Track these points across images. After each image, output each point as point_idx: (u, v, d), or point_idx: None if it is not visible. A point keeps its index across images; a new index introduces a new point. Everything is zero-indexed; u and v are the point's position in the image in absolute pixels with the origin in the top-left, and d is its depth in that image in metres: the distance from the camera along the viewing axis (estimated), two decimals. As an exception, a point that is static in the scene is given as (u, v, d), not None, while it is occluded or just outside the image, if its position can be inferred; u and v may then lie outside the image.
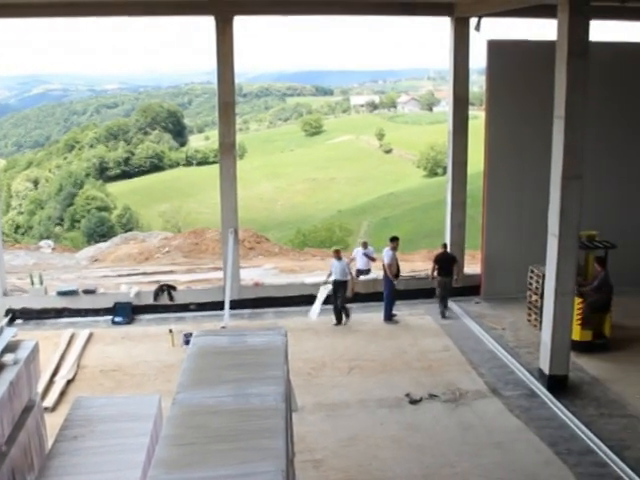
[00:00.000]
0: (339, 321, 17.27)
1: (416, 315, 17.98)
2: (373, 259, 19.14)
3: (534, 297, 17.16)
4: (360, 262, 19.07)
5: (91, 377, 14.53)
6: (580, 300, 14.76)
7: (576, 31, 12.67)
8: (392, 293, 17.61)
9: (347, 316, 17.46)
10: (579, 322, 14.90)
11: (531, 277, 17.45)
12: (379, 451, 11.59)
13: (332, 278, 17.54)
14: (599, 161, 17.98)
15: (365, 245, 19.40)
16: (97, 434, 9.08)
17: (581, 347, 14.85)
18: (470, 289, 19.05)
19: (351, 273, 17.62)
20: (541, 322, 16.08)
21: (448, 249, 18.67)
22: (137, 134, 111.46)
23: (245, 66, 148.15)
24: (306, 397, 13.01)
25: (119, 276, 20.88)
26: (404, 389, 13.68)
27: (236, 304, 17.92)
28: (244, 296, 18.35)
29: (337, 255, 17.59)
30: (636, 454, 11.50)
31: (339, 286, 17.33)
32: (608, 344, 15.68)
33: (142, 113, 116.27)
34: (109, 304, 18.05)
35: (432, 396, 13.45)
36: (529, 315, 17.51)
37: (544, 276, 16.02)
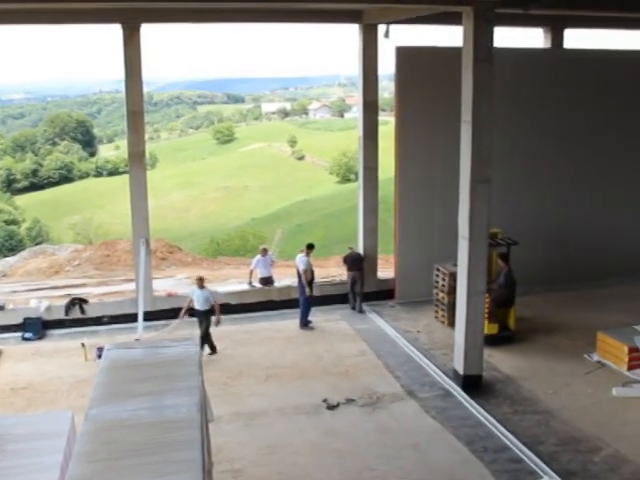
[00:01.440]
0: (213, 350, 16.03)
1: (332, 321, 18.02)
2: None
3: (441, 295, 17.67)
4: (262, 270, 19.02)
5: (1, 396, 14.09)
6: (486, 295, 15.06)
7: (481, 38, 12.95)
8: (308, 299, 17.63)
9: (212, 349, 15.97)
10: (486, 316, 15.17)
11: (437, 275, 17.89)
12: (298, 458, 11.57)
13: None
14: (507, 163, 18.45)
15: (265, 252, 19.37)
16: (8, 454, 8.80)
17: (488, 340, 15.06)
18: (384, 293, 19.21)
19: (216, 302, 16.11)
20: (449, 318, 17.07)
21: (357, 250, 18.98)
22: (45, 145, 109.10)
23: (155, 74, 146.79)
24: (223, 407, 12.90)
25: (28, 291, 20.30)
26: (321, 395, 13.69)
27: (150, 315, 17.64)
28: (158, 307, 18.08)
29: (200, 284, 16.17)
30: (549, 449, 11.81)
31: (201, 316, 15.92)
32: (513, 336, 16.37)
33: (50, 123, 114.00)
34: (18, 320, 17.51)
35: (349, 401, 13.49)
36: (436, 312, 17.98)
37: (451, 274, 16.91)
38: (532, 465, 11.30)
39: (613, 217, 20.35)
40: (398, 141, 18.69)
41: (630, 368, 14.64)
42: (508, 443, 11.99)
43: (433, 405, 13.41)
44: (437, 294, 17.85)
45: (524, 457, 11.54)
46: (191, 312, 16.13)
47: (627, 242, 20.38)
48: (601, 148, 20.06)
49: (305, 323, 17.57)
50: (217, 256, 35.27)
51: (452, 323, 16.82)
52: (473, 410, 13.19)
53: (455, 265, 17.00)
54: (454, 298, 16.82)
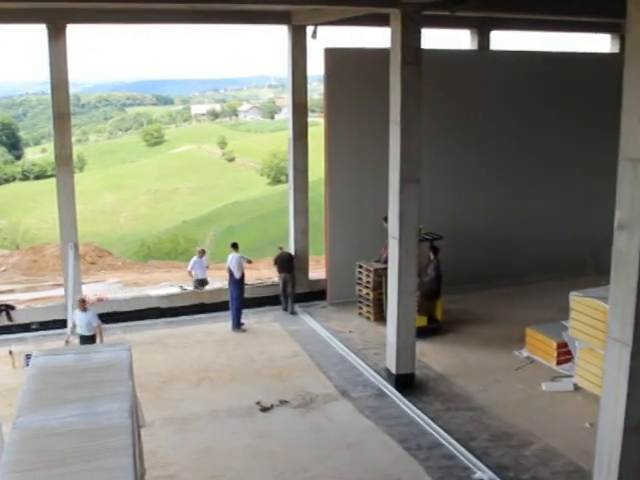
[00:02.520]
0: None
1: (264, 323, 17.98)
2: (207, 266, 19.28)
3: (365, 291, 17.97)
4: (198, 272, 18.89)
5: None
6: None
7: (408, 39, 13.04)
8: (240, 301, 17.55)
9: None
10: (415, 309, 15.31)
11: (360, 272, 18.18)
12: (232, 461, 11.50)
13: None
14: (436, 163, 18.68)
15: (202, 253, 19.23)
16: None
17: (418, 333, 15.06)
18: (316, 294, 19.25)
19: (99, 325, 14.43)
20: (374, 314, 17.60)
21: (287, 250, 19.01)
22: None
23: (82, 76, 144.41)
24: (156, 411, 12.77)
25: (-47, 298, 19.80)
26: (255, 397, 13.62)
27: (80, 321, 17.33)
28: (88, 312, 17.77)
29: (82, 306, 14.46)
30: (482, 444, 11.98)
31: (85, 342, 14.22)
32: (441, 327, 16.87)
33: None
34: (-58, 329, 17.08)
35: (283, 402, 13.46)
36: (360, 309, 18.27)
37: (375, 271, 17.45)
38: (465, 461, 11.44)
39: (541, 214, 20.76)
40: (328, 142, 18.74)
41: (559, 363, 14.94)
42: (441, 440, 12.11)
43: (367, 404, 13.47)
44: (360, 290, 18.16)
45: (457, 453, 11.67)
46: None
47: (554, 239, 20.81)
48: (529, 147, 20.42)
49: (238, 325, 17.48)
50: (148, 260, 34.87)
51: (378, 319, 17.59)
52: (406, 408, 13.29)
53: (377, 261, 17.54)
54: (379, 294, 17.58)
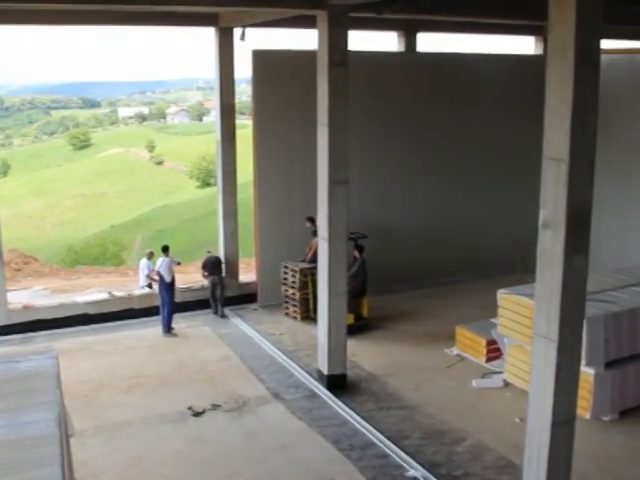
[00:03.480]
0: None
1: (194, 327, 17.82)
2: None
3: (291, 291, 18.10)
4: (143, 274, 18.61)
5: None
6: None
7: (336, 41, 13.07)
8: (172, 305, 17.36)
9: None
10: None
11: (285, 272, 18.28)
12: (164, 468, 11.35)
13: None
14: (364, 164, 18.81)
15: (151, 255, 18.88)
16: None
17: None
18: (247, 297, 19.17)
19: None
20: (301, 314, 17.79)
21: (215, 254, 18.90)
22: None
23: (6, 78, 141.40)
24: (85, 420, 12.54)
25: None
26: (187, 402, 13.49)
27: (5, 330, 16.93)
28: (13, 320, 17.35)
29: None
30: (414, 442, 12.07)
31: None
32: (368, 324, 17.09)
33: None
34: None
35: (215, 406, 13.36)
36: (286, 309, 18.38)
37: (300, 270, 17.67)
38: (398, 459, 11.51)
39: (470, 214, 21.07)
40: (256, 144, 18.67)
41: (488, 360, 15.17)
42: (374, 439, 12.16)
43: (299, 406, 13.46)
44: (287, 291, 18.27)
45: (390, 452, 11.74)
46: None
47: (483, 239, 21.14)
48: (457, 147, 20.72)
49: (168, 330, 17.30)
50: (75, 265, 34.30)
51: (304, 318, 17.86)
52: (339, 409, 13.32)
53: (302, 261, 17.90)
54: (305, 294, 17.79)
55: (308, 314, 17.93)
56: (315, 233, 17.30)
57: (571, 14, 7.99)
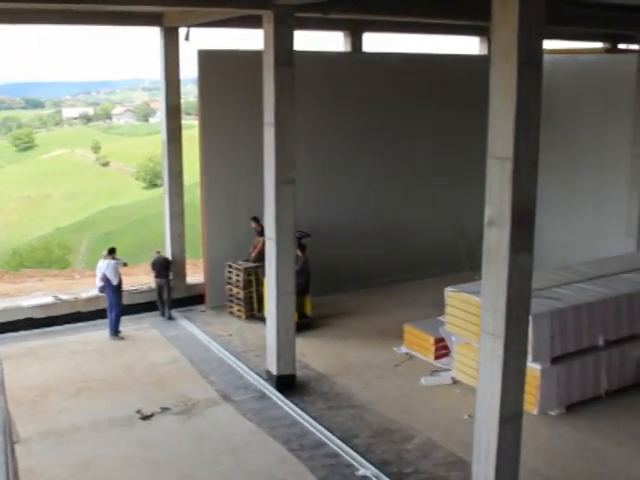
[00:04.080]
0: None
1: (142, 329, 17.62)
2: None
3: (235, 290, 18.17)
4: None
5: None
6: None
7: (281, 41, 13.07)
8: (120, 308, 17.16)
9: None
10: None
11: (230, 272, 18.32)
12: (114, 473, 11.23)
13: None
14: (312, 164, 18.86)
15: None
16: None
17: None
18: (195, 298, 19.05)
19: None
20: (245, 312, 17.90)
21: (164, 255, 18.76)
22: None
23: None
24: (32, 426, 12.37)
25: None
26: (135, 406, 13.35)
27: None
28: (-43, 325, 17.05)
29: None
30: (364, 441, 12.12)
31: None
32: (312, 322, 17.21)
33: None
34: None
35: (164, 409, 13.24)
36: (231, 307, 18.44)
37: (245, 269, 17.78)
38: (348, 458, 11.53)
39: (417, 213, 21.24)
40: (202, 145, 18.56)
41: (437, 358, 15.29)
42: (324, 439, 12.18)
43: (249, 407, 13.41)
44: (231, 290, 18.33)
45: (340, 451, 11.75)
46: None
47: (430, 237, 21.32)
48: (403, 146, 20.86)
49: (115, 333, 17.10)
50: (20, 269, 33.79)
51: (248, 317, 18.00)
52: (288, 409, 13.31)
53: (246, 260, 17.99)
54: (249, 293, 17.87)
55: (252, 313, 18.07)
56: (260, 233, 17.51)
57: (514, 15, 8.09)
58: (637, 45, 18.35)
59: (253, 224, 18.09)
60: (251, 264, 18.15)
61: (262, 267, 17.32)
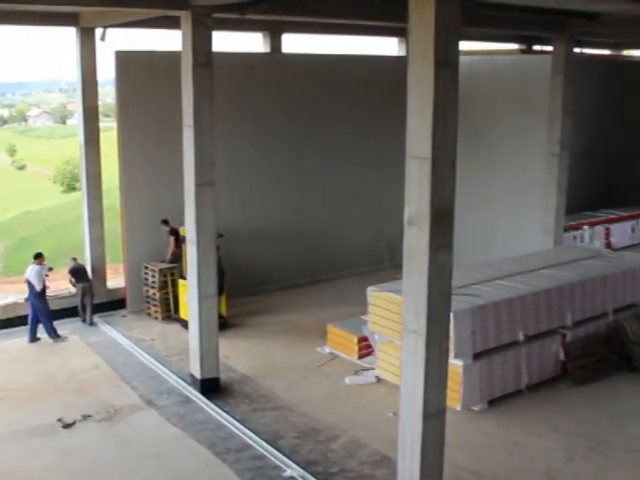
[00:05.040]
0: None
1: (62, 335, 17.29)
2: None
3: (152, 291, 18.14)
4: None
5: None
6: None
7: (200, 42, 12.97)
8: (47, 313, 16.79)
9: None
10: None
11: (146, 273, 18.30)
12: (35, 483, 11.01)
13: None
14: (234, 165, 18.87)
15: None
16: None
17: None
18: (115, 303, 18.79)
19: None
20: (162, 313, 17.93)
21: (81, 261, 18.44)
22: None
23: None
24: (-53, 438, 12.03)
25: None
26: (56, 414, 13.06)
27: None
28: None
29: None
30: (290, 442, 12.12)
31: None
32: (227, 322, 17.13)
33: None
34: None
35: (86, 417, 13.00)
36: (148, 309, 18.40)
37: (160, 270, 17.82)
38: (275, 460, 11.51)
39: (339, 212, 21.36)
40: (121, 147, 18.31)
41: (360, 357, 15.38)
42: (250, 441, 12.13)
43: (173, 412, 13.27)
44: (148, 291, 18.29)
45: (266, 453, 11.73)
46: None
47: (352, 236, 21.46)
48: (324, 147, 20.96)
49: (34, 339, 16.74)
50: None
51: (165, 318, 18.03)
52: (213, 413, 13.22)
53: (162, 261, 18.10)
54: (165, 294, 17.92)
55: (169, 314, 18.04)
56: (170, 233, 17.63)
57: (430, 16, 8.18)
58: (551, 47, 18.73)
59: (163, 227, 18.11)
60: (166, 265, 18.14)
61: (177, 268, 17.37)
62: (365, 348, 15.39)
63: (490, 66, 21.75)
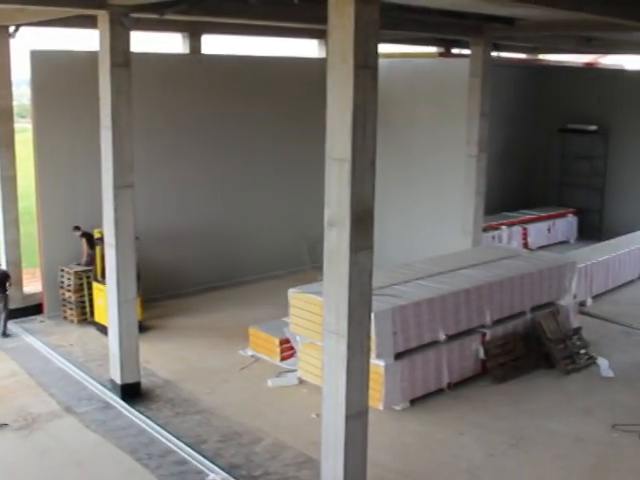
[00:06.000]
0: None
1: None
2: None
3: (67, 294, 17.91)
4: None
5: None
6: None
7: (117, 42, 12.77)
8: None
9: None
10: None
11: (62, 276, 18.05)
12: (-52, 496, 10.69)
13: None
14: (152, 167, 18.68)
15: None
16: None
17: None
18: (32, 308, 18.32)
19: None
20: (77, 316, 17.68)
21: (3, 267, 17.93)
22: None
23: None
24: None
25: None
26: (-29, 424, 12.73)
27: None
28: None
29: None
30: (213, 446, 12.05)
31: None
32: (143, 325, 16.73)
33: None
34: None
35: (2, 426, 12.65)
36: (64, 312, 18.10)
37: (75, 273, 17.62)
38: (198, 465, 11.44)
39: (259, 214, 21.33)
40: (37, 149, 17.89)
41: (283, 359, 15.38)
42: (172, 446, 12.01)
43: (93, 419, 13.03)
44: (63, 294, 18.02)
45: (189, 458, 11.64)
46: None
47: (273, 238, 21.46)
48: (244, 148, 20.89)
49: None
50: None
51: (81, 321, 17.80)
52: (134, 418, 13.03)
53: (79, 264, 17.89)
54: (81, 296, 17.67)
55: (85, 317, 17.82)
56: (82, 236, 17.63)
57: (350, 19, 8.21)
58: (469, 50, 19.04)
59: (75, 232, 17.88)
60: (82, 267, 17.90)
61: (92, 270, 17.09)
62: (287, 350, 15.39)
63: (410, 69, 22.01)
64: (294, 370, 14.88)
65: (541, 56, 27.89)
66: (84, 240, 17.83)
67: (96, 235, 16.69)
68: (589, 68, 28.84)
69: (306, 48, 23.36)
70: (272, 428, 12.61)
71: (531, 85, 28.04)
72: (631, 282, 21.92)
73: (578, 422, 13.12)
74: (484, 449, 12.07)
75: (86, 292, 17.71)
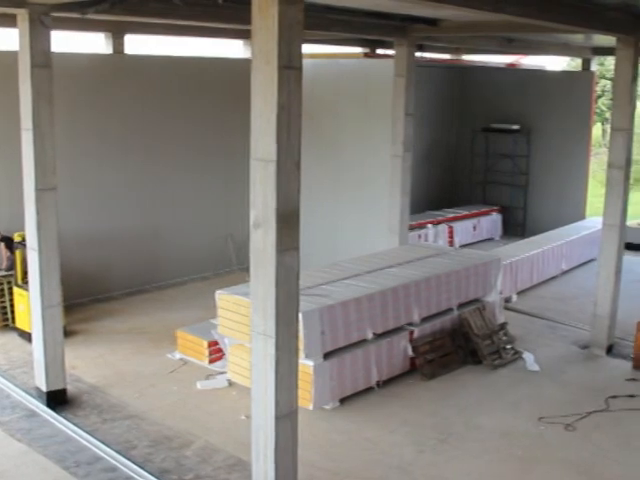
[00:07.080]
0: None
1: None
2: None
3: None
4: None
5: None
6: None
7: (38, 42, 12.49)
8: None
9: None
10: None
11: None
12: None
13: None
14: (75, 169, 18.43)
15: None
16: None
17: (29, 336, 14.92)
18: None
19: None
20: (3, 320, 17.21)
21: None
22: None
23: None
24: None
25: None
26: None
27: None
28: None
29: None
30: (142, 451, 11.91)
31: None
32: (66, 329, 16.02)
33: None
34: None
35: None
36: None
37: None
38: (127, 471, 11.27)
39: (185, 215, 21.20)
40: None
41: (212, 361, 15.27)
42: (101, 453, 11.82)
43: (18, 427, 12.72)
44: None
45: (118, 464, 11.46)
46: None
47: (199, 240, 21.33)
48: (168, 149, 20.72)
49: None
50: None
51: (3, 327, 17.35)
52: (61, 426, 12.78)
53: (0, 269, 17.47)
54: (2, 302, 17.32)
55: (7, 323, 17.38)
56: (1, 240, 17.25)
57: (273, 20, 8.18)
58: (393, 51, 19.19)
59: None
60: (2, 273, 17.49)
61: (13, 275, 16.75)
62: (216, 352, 15.30)
63: (335, 69, 22.11)
64: (223, 372, 14.82)
65: (465, 57, 28.28)
66: (3, 244, 17.46)
67: (16, 239, 16.33)
68: (511, 68, 29.38)
69: (232, 48, 23.26)
70: (202, 431, 12.54)
71: (455, 85, 28.48)
72: (554, 278, 22.45)
73: (506, 416, 13.37)
74: (414, 445, 12.20)
75: (7, 297, 17.31)
